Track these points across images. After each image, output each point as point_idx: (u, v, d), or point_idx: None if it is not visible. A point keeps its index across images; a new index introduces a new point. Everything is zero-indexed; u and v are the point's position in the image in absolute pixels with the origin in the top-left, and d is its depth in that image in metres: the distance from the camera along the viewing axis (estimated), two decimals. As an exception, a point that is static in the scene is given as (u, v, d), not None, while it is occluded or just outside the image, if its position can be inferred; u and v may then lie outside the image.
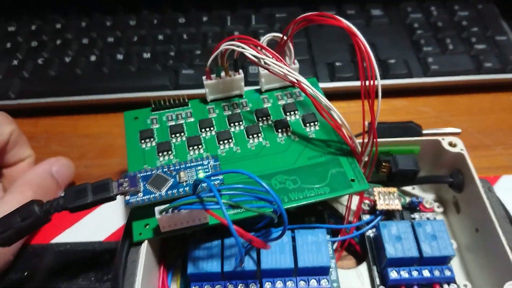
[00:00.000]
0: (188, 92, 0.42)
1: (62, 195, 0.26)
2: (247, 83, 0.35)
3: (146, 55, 0.46)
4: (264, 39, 0.31)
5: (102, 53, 0.46)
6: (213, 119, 0.33)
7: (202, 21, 0.50)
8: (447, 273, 0.29)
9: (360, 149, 0.30)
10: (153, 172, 0.28)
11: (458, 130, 0.35)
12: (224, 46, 0.29)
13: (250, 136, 0.31)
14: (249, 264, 0.28)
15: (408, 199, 0.33)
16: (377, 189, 0.32)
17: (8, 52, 0.47)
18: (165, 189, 0.27)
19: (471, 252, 0.31)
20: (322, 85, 0.42)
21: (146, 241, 0.27)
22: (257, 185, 0.24)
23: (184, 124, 0.32)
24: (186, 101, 0.34)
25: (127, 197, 0.26)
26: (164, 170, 0.28)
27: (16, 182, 0.32)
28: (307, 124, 0.32)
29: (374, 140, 0.28)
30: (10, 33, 0.49)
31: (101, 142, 0.42)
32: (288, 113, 0.33)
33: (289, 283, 0.28)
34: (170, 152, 0.31)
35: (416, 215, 0.33)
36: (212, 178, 0.27)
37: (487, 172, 0.38)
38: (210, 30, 0.49)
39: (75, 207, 0.25)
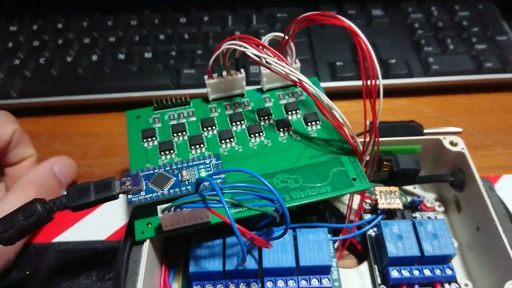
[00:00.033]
0: (189, 91, 0.42)
1: (65, 194, 0.26)
2: (248, 83, 0.35)
3: (148, 55, 0.46)
4: (265, 39, 0.31)
5: (104, 52, 0.47)
6: (215, 118, 0.33)
7: (203, 21, 0.50)
8: (448, 272, 0.29)
9: (361, 148, 0.30)
10: (155, 171, 0.28)
11: (459, 130, 0.35)
12: (226, 45, 0.29)
13: (252, 135, 0.32)
14: (250, 263, 0.28)
15: (409, 198, 0.33)
16: (379, 188, 0.32)
17: (10, 52, 0.47)
18: (168, 188, 0.27)
19: (472, 251, 0.31)
20: (323, 84, 0.42)
21: (148, 240, 0.27)
22: (259, 183, 0.24)
23: (186, 123, 0.33)
24: (188, 100, 0.34)
25: (130, 196, 0.27)
26: (167, 169, 0.28)
27: (18, 181, 0.32)
28: (309, 123, 0.32)
29: (376, 139, 0.28)
30: (12, 32, 0.49)
31: (103, 141, 0.42)
32: (289, 112, 0.33)
33: (290, 282, 0.28)
34: (172, 151, 0.31)
35: (417, 214, 0.33)
36: (214, 176, 0.27)
37: (487, 171, 0.38)
38: (211, 30, 0.49)
39: (77, 205, 0.25)
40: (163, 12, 0.51)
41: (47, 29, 0.49)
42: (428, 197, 0.34)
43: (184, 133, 0.32)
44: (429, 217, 0.33)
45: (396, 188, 0.32)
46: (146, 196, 0.26)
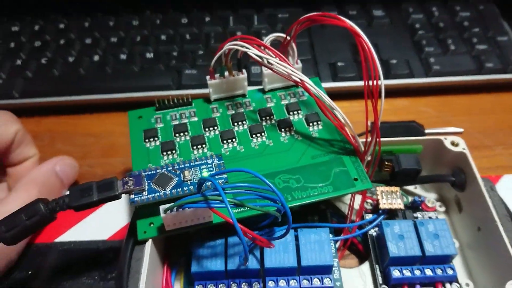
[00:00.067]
0: (191, 92, 0.42)
1: (68, 193, 0.26)
2: (249, 83, 0.35)
3: (149, 55, 0.46)
4: (267, 39, 0.31)
5: (105, 53, 0.47)
6: (216, 118, 0.33)
7: (205, 21, 0.50)
8: (449, 272, 0.29)
9: (363, 148, 0.30)
10: (157, 171, 0.28)
11: (460, 130, 0.35)
12: (228, 46, 0.30)
13: (254, 135, 0.32)
14: (252, 262, 0.28)
15: (410, 198, 0.33)
16: (380, 188, 0.32)
17: (12, 52, 0.47)
18: (170, 188, 0.27)
19: (473, 250, 0.31)
20: (324, 85, 0.42)
21: (150, 240, 0.27)
22: (261, 183, 0.24)
23: (188, 124, 0.33)
24: (190, 100, 0.34)
25: (132, 196, 0.27)
26: (169, 169, 0.28)
27: (21, 181, 0.33)
28: (310, 124, 0.32)
29: (377, 139, 0.29)
30: (14, 33, 0.49)
31: (104, 141, 0.42)
32: (291, 113, 0.33)
33: (292, 282, 0.28)
34: (174, 151, 0.31)
35: (418, 214, 0.33)
36: (216, 177, 0.27)
37: (487, 172, 0.38)
38: (212, 30, 0.49)
39: (80, 205, 0.25)
40: (165, 12, 0.51)
41: (49, 29, 0.49)
42: (429, 197, 0.34)
43: (186, 133, 0.32)
44: (430, 217, 0.33)
45: (397, 188, 0.32)
46: (148, 196, 0.27)
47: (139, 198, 0.27)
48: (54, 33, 0.49)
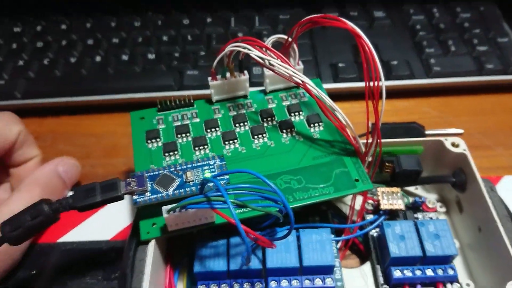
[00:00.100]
0: (192, 92, 0.43)
1: (71, 194, 0.26)
2: (250, 84, 0.35)
3: (151, 56, 0.46)
4: (269, 41, 0.31)
5: (107, 53, 0.47)
6: (218, 119, 0.33)
7: (206, 22, 0.50)
8: (450, 272, 0.29)
9: (364, 149, 0.30)
10: (160, 172, 0.28)
11: (461, 131, 0.36)
12: (230, 47, 0.30)
13: (255, 136, 0.32)
14: (254, 263, 0.28)
15: (411, 199, 0.34)
16: (381, 189, 0.32)
17: (14, 53, 0.47)
18: (172, 189, 0.27)
19: (474, 251, 0.31)
20: (325, 86, 0.43)
21: (153, 240, 0.27)
22: (263, 184, 0.24)
23: (189, 125, 0.33)
24: (192, 101, 0.34)
25: (135, 197, 0.27)
26: (171, 170, 0.28)
27: (23, 181, 0.33)
28: (312, 125, 0.32)
29: (378, 140, 0.29)
30: (16, 34, 0.49)
31: (106, 142, 0.42)
32: (292, 114, 0.33)
33: (294, 282, 0.28)
34: (176, 152, 0.31)
35: (419, 215, 0.33)
36: (218, 177, 0.27)
37: (488, 172, 0.38)
38: (214, 31, 0.49)
39: (84, 206, 0.26)
40: (166, 13, 0.51)
41: (51, 30, 0.50)
42: (430, 197, 0.34)
43: (188, 134, 0.32)
44: (431, 218, 0.33)
45: (398, 189, 0.32)
46: (151, 196, 0.27)
47: (142, 198, 0.27)
48: (56, 34, 0.49)
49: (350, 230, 0.33)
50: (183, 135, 0.32)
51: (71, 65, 0.46)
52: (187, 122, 0.33)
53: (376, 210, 0.33)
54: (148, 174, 0.28)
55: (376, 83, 0.27)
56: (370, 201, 0.33)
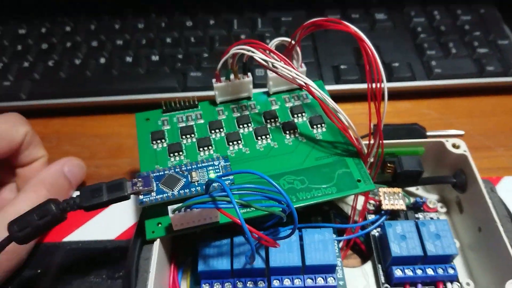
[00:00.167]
0: (196, 94, 0.43)
1: (78, 194, 0.27)
2: (254, 86, 0.35)
3: (155, 58, 0.47)
4: (272, 43, 0.31)
5: (111, 55, 0.47)
6: (222, 120, 0.33)
7: (209, 24, 0.50)
8: (450, 271, 0.29)
9: (366, 150, 0.30)
10: (165, 172, 0.28)
11: (461, 132, 0.36)
12: (234, 50, 0.30)
13: (259, 138, 0.32)
14: (258, 262, 0.28)
15: (412, 199, 0.34)
16: (382, 190, 0.33)
17: (19, 55, 0.47)
18: (178, 189, 0.27)
19: (474, 251, 0.32)
20: (328, 87, 0.43)
21: (158, 239, 0.28)
22: (267, 184, 0.25)
23: (194, 126, 0.33)
24: (196, 103, 0.35)
25: (141, 197, 0.27)
26: (176, 170, 0.29)
27: (29, 182, 0.33)
28: (314, 126, 0.33)
29: (380, 141, 0.29)
30: (21, 35, 0.50)
31: (110, 142, 0.43)
32: (295, 115, 0.34)
33: (296, 281, 0.28)
34: (181, 153, 0.31)
35: (420, 215, 0.34)
36: (223, 178, 0.28)
37: (488, 173, 0.38)
38: (217, 33, 0.50)
39: (91, 205, 0.26)
40: (170, 15, 0.52)
41: (56, 32, 0.50)
42: (431, 198, 0.35)
43: (192, 135, 0.33)
44: (431, 218, 0.34)
45: (399, 190, 0.33)
46: (157, 196, 0.27)
47: (148, 198, 0.27)
48: (60, 36, 0.50)
49: (352, 230, 0.33)
50: (188, 136, 0.32)
51: (75, 66, 0.46)
52: (192, 123, 0.34)
53: (378, 210, 0.33)
54: (154, 175, 0.28)
55: (378, 85, 0.27)
56: (372, 201, 0.34)
